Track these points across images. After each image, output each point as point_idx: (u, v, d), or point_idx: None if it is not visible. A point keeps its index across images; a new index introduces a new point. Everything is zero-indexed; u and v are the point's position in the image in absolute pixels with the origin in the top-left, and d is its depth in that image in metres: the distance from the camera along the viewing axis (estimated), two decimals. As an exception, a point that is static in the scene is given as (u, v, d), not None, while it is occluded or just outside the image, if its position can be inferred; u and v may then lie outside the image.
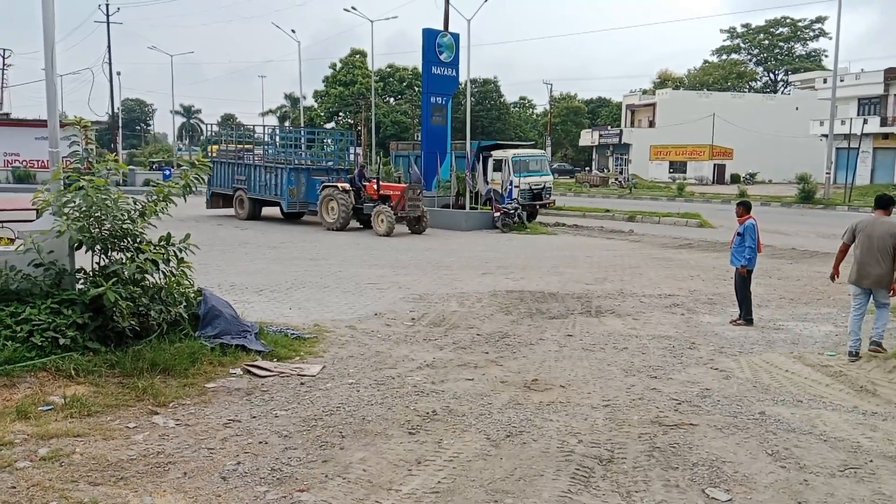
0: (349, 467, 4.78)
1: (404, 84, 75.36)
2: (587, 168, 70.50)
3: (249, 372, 6.76)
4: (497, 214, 22.00)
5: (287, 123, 76.12)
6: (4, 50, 62.15)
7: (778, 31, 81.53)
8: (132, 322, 6.69)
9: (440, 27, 29.44)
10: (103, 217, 6.82)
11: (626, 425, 5.65)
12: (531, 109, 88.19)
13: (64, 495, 4.22)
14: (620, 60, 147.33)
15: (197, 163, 7.55)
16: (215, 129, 36.35)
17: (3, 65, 61.90)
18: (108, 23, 53.28)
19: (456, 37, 26.66)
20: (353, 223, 21.67)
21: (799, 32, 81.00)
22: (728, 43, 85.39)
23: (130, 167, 42.55)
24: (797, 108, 61.62)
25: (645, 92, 76.68)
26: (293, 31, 52.40)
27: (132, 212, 7.01)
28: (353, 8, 45.26)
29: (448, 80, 26.51)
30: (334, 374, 6.88)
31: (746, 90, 79.81)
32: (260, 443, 5.15)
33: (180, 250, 7.23)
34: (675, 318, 9.83)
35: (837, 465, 4.97)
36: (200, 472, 4.64)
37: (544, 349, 8.02)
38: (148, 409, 5.72)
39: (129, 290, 6.68)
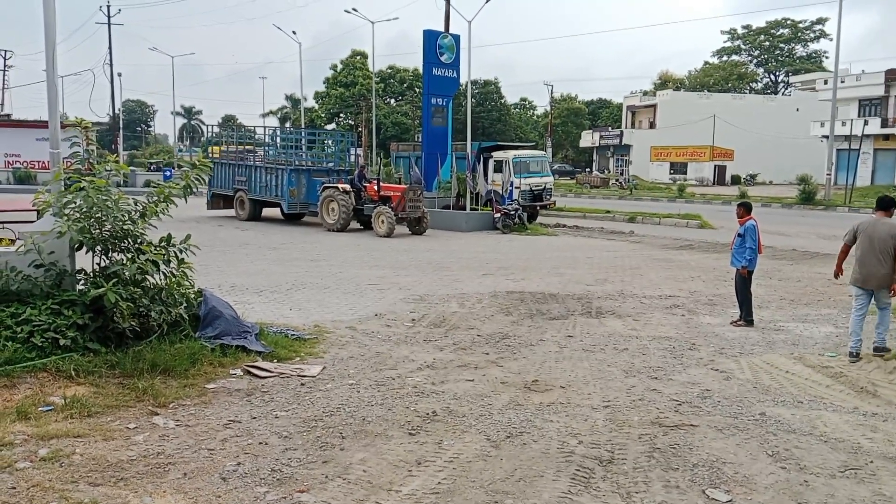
0: (349, 468, 4.78)
1: (405, 85, 75.39)
2: (588, 169, 70.48)
3: (250, 373, 6.76)
4: (497, 215, 22.00)
5: (288, 124, 76.15)
6: (6, 51, 62.27)
7: (779, 33, 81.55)
8: (132, 323, 6.70)
9: (441, 28, 29.46)
10: (104, 218, 6.82)
11: (626, 426, 5.65)
12: (532, 110, 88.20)
13: (64, 496, 4.22)
14: (621, 61, 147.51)
15: (197, 163, 7.56)
16: (216, 130, 36.36)
17: (5, 66, 61.99)
18: (109, 24, 53.41)
19: (457, 38, 26.67)
20: (354, 224, 21.67)
21: (799, 34, 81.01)
22: (729, 44, 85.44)
23: (131, 168, 42.54)
24: (798, 110, 61.61)
25: (646, 93, 76.66)
26: (294, 32, 52.49)
27: (133, 213, 7.01)
28: (354, 9, 45.33)
29: (449, 81, 26.51)
30: (334, 374, 6.88)
31: (747, 91, 79.80)
32: (260, 443, 5.15)
33: (181, 251, 7.24)
34: (675, 319, 9.83)
35: (838, 465, 4.96)
36: (200, 472, 4.65)
37: (545, 350, 8.01)
38: (148, 409, 5.72)
39: (129, 291, 6.69)
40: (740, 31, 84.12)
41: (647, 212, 27.88)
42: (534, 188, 24.56)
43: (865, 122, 41.30)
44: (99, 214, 6.79)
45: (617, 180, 54.46)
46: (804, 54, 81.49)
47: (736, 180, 57.23)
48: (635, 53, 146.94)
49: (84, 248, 6.92)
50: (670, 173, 61.72)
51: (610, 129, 73.19)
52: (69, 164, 7.67)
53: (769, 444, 5.32)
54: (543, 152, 35.96)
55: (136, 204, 7.12)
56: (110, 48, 52.18)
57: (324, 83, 74.42)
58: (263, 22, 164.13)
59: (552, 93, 73.78)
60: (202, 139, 71.53)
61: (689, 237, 20.68)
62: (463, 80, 29.32)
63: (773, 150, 59.98)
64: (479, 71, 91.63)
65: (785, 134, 57.44)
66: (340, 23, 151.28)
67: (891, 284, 7.56)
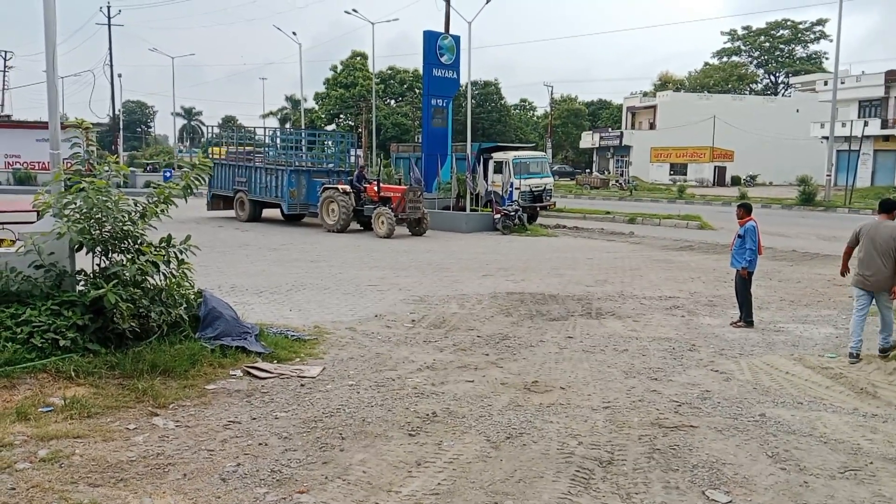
0: (349, 469, 4.78)
1: (405, 86, 75.40)
2: (588, 170, 70.46)
3: (249, 373, 6.76)
4: (497, 216, 22.01)
5: (288, 125, 76.15)
6: (6, 52, 62.35)
7: (779, 34, 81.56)
8: (132, 324, 6.69)
9: (441, 29, 29.48)
10: (104, 219, 6.82)
11: (626, 427, 5.65)
12: (532, 111, 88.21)
13: (63, 497, 4.22)
14: (621, 62, 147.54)
15: (198, 163, 7.56)
16: (216, 131, 36.38)
17: (5, 67, 62.04)
18: (109, 25, 53.46)
19: (457, 39, 26.68)
20: (354, 225, 21.68)
21: (800, 35, 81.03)
22: (729, 45, 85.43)
23: (131, 169, 42.59)
24: (798, 111, 61.61)
25: (645, 94, 76.67)
26: (294, 33, 52.41)
27: (133, 213, 7.01)
28: (354, 10, 45.35)
29: (449, 82, 26.52)
30: (334, 375, 6.88)
31: (747, 92, 79.80)
32: (260, 444, 5.15)
33: (181, 252, 7.24)
34: (675, 319, 9.83)
35: (838, 466, 4.96)
36: (200, 473, 4.64)
37: (544, 351, 8.01)
38: (148, 410, 5.72)
39: (129, 292, 6.68)
40: (740, 32, 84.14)
41: (647, 213, 27.89)
42: (534, 189, 24.56)
43: (865, 123, 41.34)
44: (99, 215, 6.79)
45: (617, 181, 54.45)
46: (804, 55, 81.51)
47: (736, 181, 57.23)
48: (635, 54, 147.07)
49: (84, 249, 6.92)
50: (670, 174, 61.71)
51: (610, 130, 73.19)
52: (69, 164, 7.67)
53: (769, 445, 5.32)
54: (543, 153, 35.92)
55: (135, 205, 7.12)
56: (110, 49, 52.25)
57: (324, 84, 74.47)
58: (263, 23, 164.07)
59: (552, 94, 73.84)
60: (202, 140, 71.57)
61: (689, 238, 20.68)
62: (463, 80, 29.33)
63: (773, 151, 59.98)
64: (480, 72, 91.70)
65: (785, 135, 57.44)
66: (340, 24, 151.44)
67: (892, 287, 7.57)
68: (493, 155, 25.38)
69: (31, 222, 9.13)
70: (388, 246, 18.13)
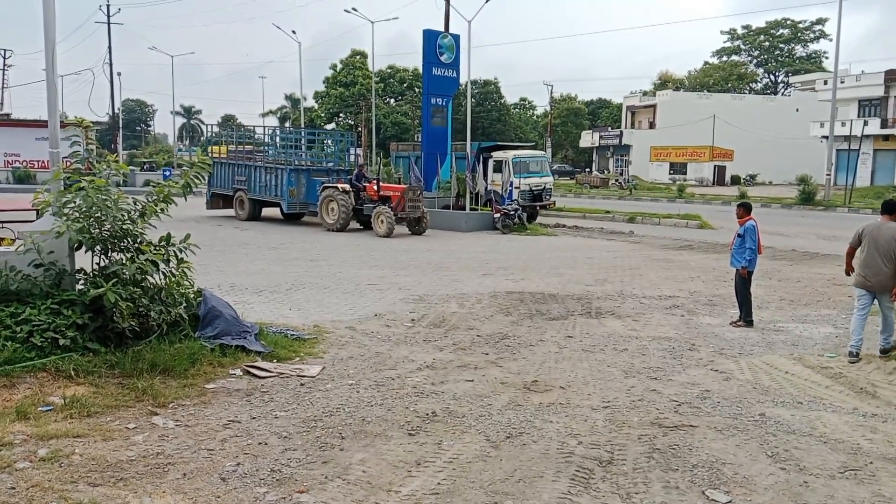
0: (349, 468, 4.78)
1: (405, 85, 75.35)
2: (587, 169, 70.49)
3: (249, 373, 6.76)
4: (497, 215, 22.00)
5: (287, 124, 76.14)
6: (5, 50, 62.31)
7: (778, 33, 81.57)
8: (132, 323, 6.69)
9: (441, 28, 29.45)
10: (103, 217, 6.81)
11: (625, 427, 5.65)
12: (531, 110, 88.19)
13: (63, 496, 4.21)
14: (621, 62, 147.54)
15: (197, 161, 7.55)
16: (216, 129, 36.38)
17: (4, 65, 61.99)
18: (108, 23, 53.40)
19: (456, 38, 26.66)
20: (353, 224, 21.67)
21: (799, 34, 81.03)
22: (728, 44, 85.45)
23: (131, 168, 42.58)
24: (797, 110, 61.63)
25: (645, 93, 76.67)
26: (294, 31, 52.45)
27: (132, 212, 7.00)
28: (354, 9, 45.33)
29: (448, 81, 26.50)
30: (334, 375, 6.87)
31: (747, 92, 79.81)
32: (259, 444, 5.15)
33: (180, 251, 7.23)
34: (675, 319, 9.83)
35: (837, 466, 4.96)
36: (200, 472, 4.64)
37: (544, 350, 8.01)
38: (147, 409, 5.72)
39: (129, 291, 6.68)
40: (740, 32, 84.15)
41: (646, 212, 27.89)
42: (533, 188, 24.56)
43: (865, 123, 41.32)
44: (98, 214, 6.78)
45: (616, 180, 54.47)
46: (804, 54, 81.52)
47: (735, 180, 57.26)
48: (635, 53, 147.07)
49: (83, 248, 6.91)
50: (670, 173, 61.74)
51: (609, 129, 73.18)
52: (69, 163, 7.66)
53: (769, 445, 5.32)
54: (543, 152, 35.95)
55: (135, 203, 7.12)
56: (110, 47, 52.22)
57: (323, 83, 74.41)
58: (263, 21, 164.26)
59: (552, 93, 73.85)
60: (202, 139, 71.55)
61: (688, 237, 20.68)
62: (463, 79, 29.35)
63: (773, 151, 60.01)
64: (479, 71, 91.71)
65: (784, 134, 57.46)
66: (340, 22, 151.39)
67: (893, 288, 7.59)
68: (492, 154, 25.37)
69: (31, 221, 9.13)
70: (388, 245, 18.13)
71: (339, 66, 73.08)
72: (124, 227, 6.89)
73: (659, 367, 7.38)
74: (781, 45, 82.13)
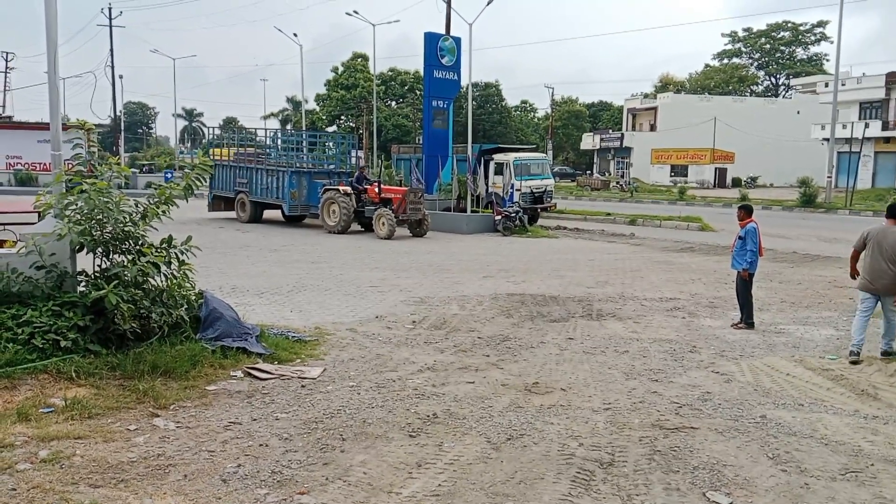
0: (350, 470, 4.78)
1: (406, 88, 75.46)
2: (588, 172, 70.45)
3: (250, 374, 6.76)
4: (498, 218, 22.01)
5: (289, 127, 76.21)
6: (7, 53, 62.36)
7: (779, 36, 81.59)
8: (133, 324, 6.69)
9: (442, 31, 29.47)
10: (105, 220, 6.82)
11: (626, 428, 5.64)
12: (533, 113, 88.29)
13: (64, 497, 4.22)
14: (622, 64, 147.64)
15: (199, 162, 7.56)
16: (217, 132, 36.43)
17: (6, 68, 62.07)
18: (110, 26, 53.49)
19: (458, 40, 26.69)
20: (355, 226, 21.69)
21: (800, 36, 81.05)
22: (729, 47, 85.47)
23: (133, 170, 42.62)
24: (798, 112, 61.63)
25: (646, 96, 76.68)
26: (295, 34, 52.46)
27: (134, 214, 7.02)
28: (355, 12, 45.45)
29: (450, 83, 26.52)
30: (335, 376, 6.88)
31: (748, 94, 79.84)
32: (260, 445, 5.15)
33: (182, 253, 7.24)
34: (676, 321, 9.82)
35: (838, 468, 4.96)
36: (201, 474, 4.65)
37: (545, 352, 8.01)
38: (149, 411, 5.72)
39: (130, 293, 6.69)
40: (741, 34, 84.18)
41: (647, 214, 27.90)
42: (534, 190, 24.55)
43: (866, 125, 41.30)
44: (100, 216, 6.80)
45: (618, 183, 54.45)
46: (805, 57, 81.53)
47: (737, 183, 57.22)
48: (636, 56, 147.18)
49: (85, 250, 6.92)
50: (671, 176, 61.73)
51: (610, 131, 73.21)
52: (70, 165, 7.67)
53: (770, 447, 5.31)
54: (544, 155, 35.92)
55: (136, 205, 7.13)
56: (112, 50, 52.29)
57: (325, 85, 74.54)
58: (265, 24, 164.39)
59: (553, 95, 73.89)
60: (203, 141, 71.61)
61: (689, 240, 20.68)
62: (464, 82, 29.32)
63: (774, 153, 60.00)
64: (480, 73, 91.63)
65: (785, 136, 57.46)
66: (341, 25, 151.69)
67: None
68: (493, 156, 25.37)
69: (33, 223, 9.13)
70: (389, 247, 18.13)
71: (341, 69, 73.20)
72: (126, 229, 6.90)
73: (660, 369, 7.38)
74: (782, 48, 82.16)
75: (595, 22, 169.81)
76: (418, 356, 7.71)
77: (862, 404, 6.40)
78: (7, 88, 62.07)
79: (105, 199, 6.75)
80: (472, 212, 23.43)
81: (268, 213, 24.85)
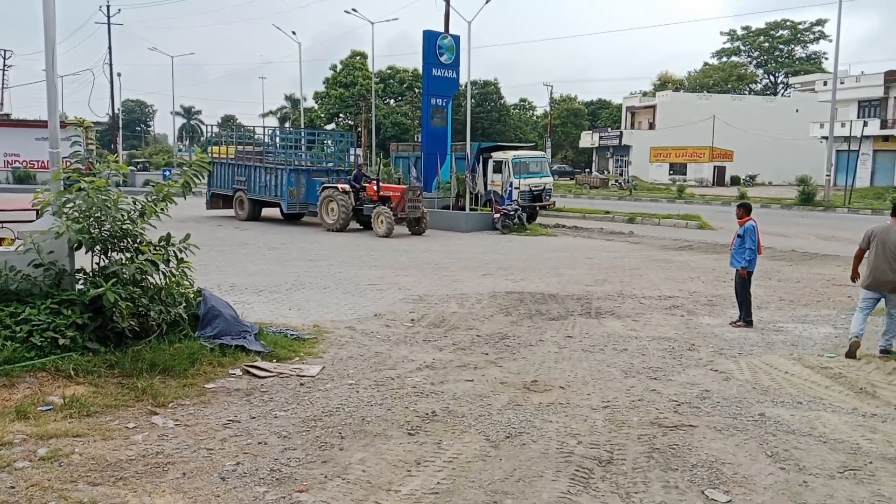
0: (348, 468, 4.78)
1: (405, 86, 75.36)
2: (587, 170, 70.47)
3: (249, 372, 6.76)
4: (497, 216, 22.00)
5: (287, 124, 76.14)
6: (5, 51, 62.30)
7: (778, 34, 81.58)
8: (132, 322, 6.69)
9: (441, 29, 29.46)
10: (103, 218, 6.81)
11: (625, 426, 5.65)
12: (531, 111, 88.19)
13: (63, 495, 4.21)
14: (621, 62, 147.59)
15: (196, 159, 7.55)
16: (215, 130, 36.40)
17: (4, 65, 61.97)
18: (108, 24, 53.40)
19: (456, 39, 26.68)
20: (353, 224, 21.67)
21: (799, 35, 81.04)
22: (728, 45, 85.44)
23: (130, 168, 42.58)
24: (797, 111, 61.64)
25: (645, 94, 76.69)
26: (294, 32, 52.34)
27: (132, 212, 7.01)
28: (354, 10, 45.34)
29: (448, 81, 26.51)
30: (334, 374, 6.87)
31: (746, 92, 79.83)
32: (259, 443, 5.15)
33: (180, 251, 7.23)
34: (674, 319, 9.83)
35: (837, 466, 4.96)
36: (200, 472, 4.64)
37: (544, 350, 8.01)
38: (147, 409, 5.72)
39: (128, 291, 6.68)
40: (740, 33, 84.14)
41: (646, 212, 27.90)
42: (533, 189, 24.56)
43: (865, 124, 41.34)
44: (98, 214, 6.79)
45: (616, 181, 54.46)
46: (804, 55, 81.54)
47: (735, 181, 57.25)
48: (635, 54, 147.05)
49: (83, 248, 6.91)
50: (670, 174, 61.73)
51: (609, 129, 73.18)
52: (68, 163, 7.66)
53: (768, 445, 5.32)
54: (543, 153, 35.93)
55: (135, 203, 7.12)
56: (110, 48, 52.22)
57: (323, 83, 74.41)
58: (263, 22, 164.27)
59: (552, 93, 73.87)
60: (201, 139, 71.57)
61: (688, 238, 20.69)
62: (462, 80, 29.35)
63: (773, 151, 60.02)
64: (479, 71, 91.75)
65: (784, 135, 57.47)
66: (340, 23, 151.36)
67: None
68: (492, 154, 25.37)
69: (31, 221, 9.13)
70: (388, 245, 18.13)
71: (339, 67, 73.09)
72: (124, 227, 6.89)
73: (658, 367, 7.38)
74: (781, 46, 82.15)
75: (594, 20, 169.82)
76: (417, 354, 7.71)
77: (860, 402, 6.41)
78: (5, 86, 62.01)
79: (103, 197, 6.73)
80: (471, 210, 23.43)
81: (266, 211, 24.83)
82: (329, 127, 71.15)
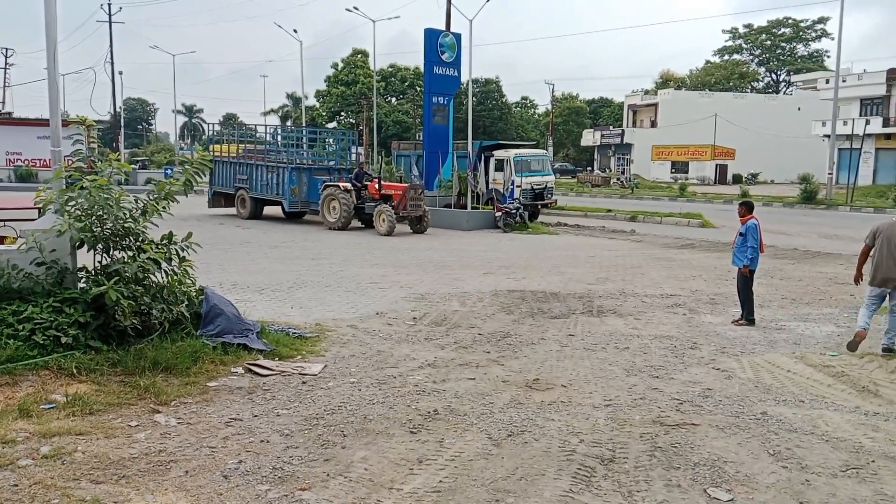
0: (351, 466, 4.78)
1: (406, 84, 75.36)
2: (589, 168, 70.44)
3: (251, 371, 6.77)
4: (499, 214, 22.00)
5: (289, 123, 76.15)
6: (7, 49, 62.19)
7: (780, 32, 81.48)
8: (134, 321, 6.69)
9: (442, 27, 29.42)
10: (105, 216, 6.82)
11: (627, 425, 5.64)
12: (533, 109, 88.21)
13: (66, 493, 4.22)
14: (622, 60, 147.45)
15: (198, 157, 7.55)
16: (217, 128, 36.40)
17: (6, 64, 61.94)
18: (110, 22, 53.39)
19: (458, 37, 26.67)
20: (355, 223, 21.68)
21: (801, 33, 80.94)
22: (730, 43, 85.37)
23: (132, 166, 42.59)
24: (799, 109, 61.55)
25: (647, 92, 76.64)
26: (295, 30, 52.36)
27: (134, 211, 7.01)
28: (355, 8, 45.28)
29: (450, 79, 26.51)
30: (336, 373, 6.88)
31: (748, 90, 79.76)
32: (261, 441, 5.15)
33: (182, 249, 7.24)
34: (676, 318, 9.82)
35: (839, 465, 4.96)
36: (202, 470, 4.65)
37: (546, 349, 8.01)
38: (150, 407, 5.72)
39: (130, 289, 6.68)
40: (742, 31, 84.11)
41: (648, 211, 27.87)
42: (535, 187, 24.54)
43: (867, 122, 41.29)
44: (100, 213, 6.79)
45: (618, 179, 54.44)
46: (806, 53, 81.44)
47: (737, 179, 57.22)
48: (637, 52, 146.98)
49: (85, 246, 6.92)
50: (672, 172, 61.71)
51: (611, 127, 73.16)
52: (70, 162, 7.67)
53: (771, 444, 5.31)
54: (544, 151, 35.93)
55: (137, 202, 7.12)
56: (111, 46, 52.17)
57: (325, 82, 74.44)
58: (264, 20, 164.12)
59: (553, 91, 73.79)
60: (203, 137, 71.57)
61: (690, 236, 20.67)
62: (464, 78, 29.34)
63: (775, 150, 59.95)
64: (481, 69, 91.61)
65: (786, 133, 57.40)
66: (341, 21, 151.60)
67: None
68: (494, 153, 25.35)
69: (33, 219, 9.13)
70: (389, 244, 18.13)
71: (341, 65, 73.11)
72: (126, 225, 6.90)
73: (660, 366, 7.38)
74: (783, 44, 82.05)
75: (596, 18, 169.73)
76: (419, 352, 7.71)
77: (863, 401, 6.40)
78: (7, 85, 61.99)
79: (105, 196, 6.74)
80: (473, 208, 23.43)
81: (268, 210, 24.84)
82: (330, 125, 71.17)
